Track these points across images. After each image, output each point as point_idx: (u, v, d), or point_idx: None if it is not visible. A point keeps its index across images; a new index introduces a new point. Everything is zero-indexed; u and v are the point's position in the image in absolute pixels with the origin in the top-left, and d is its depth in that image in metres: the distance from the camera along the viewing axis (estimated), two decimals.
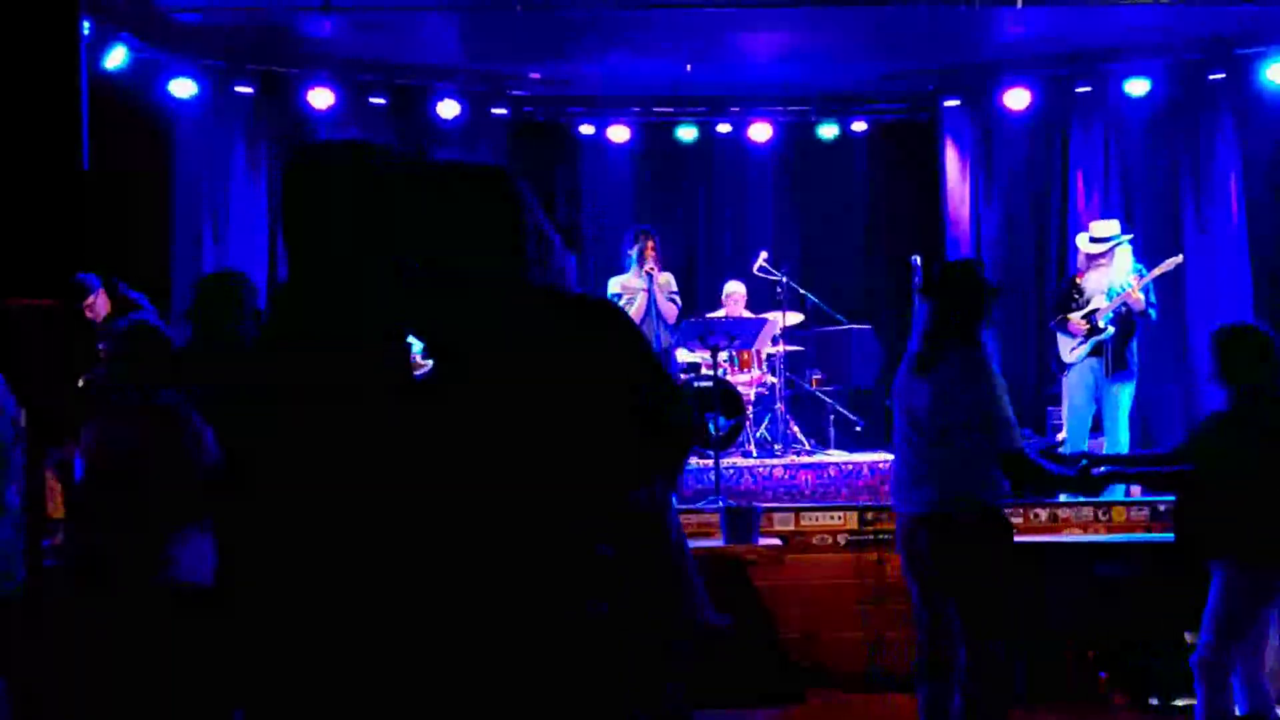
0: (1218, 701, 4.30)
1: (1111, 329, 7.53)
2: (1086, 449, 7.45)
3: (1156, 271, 7.57)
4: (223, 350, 3.85)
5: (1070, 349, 7.72)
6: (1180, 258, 7.81)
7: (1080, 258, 7.85)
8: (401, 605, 1.93)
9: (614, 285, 7.93)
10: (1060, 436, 7.75)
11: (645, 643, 2.59)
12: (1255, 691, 4.34)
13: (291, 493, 1.96)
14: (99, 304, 6.76)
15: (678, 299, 7.96)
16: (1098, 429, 7.74)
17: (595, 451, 2.12)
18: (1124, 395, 7.59)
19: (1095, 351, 7.59)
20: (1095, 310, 7.58)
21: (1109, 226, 7.84)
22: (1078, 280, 7.81)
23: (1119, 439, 7.54)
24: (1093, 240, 7.76)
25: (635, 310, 7.61)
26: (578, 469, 2.09)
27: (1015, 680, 4.27)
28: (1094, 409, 7.68)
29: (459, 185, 2.22)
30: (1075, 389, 7.71)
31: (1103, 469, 4.55)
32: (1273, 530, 4.24)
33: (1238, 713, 4.36)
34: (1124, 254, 7.71)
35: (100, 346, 6.39)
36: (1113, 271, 7.63)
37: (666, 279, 7.93)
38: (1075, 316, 7.66)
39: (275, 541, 1.98)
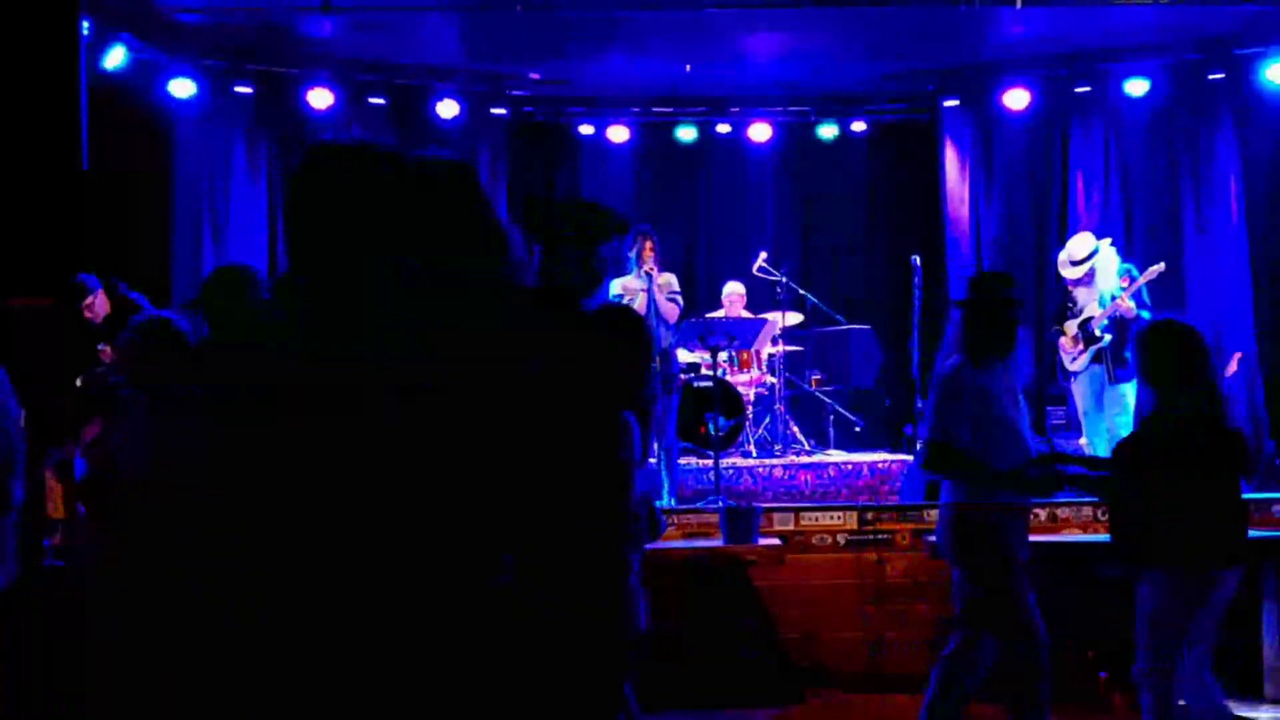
0: (1159, 715, 4.12)
1: (1108, 336, 7.62)
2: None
3: (1141, 280, 7.71)
4: (233, 346, 3.82)
5: (1071, 359, 7.85)
6: (1162, 265, 7.92)
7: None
8: (362, 604, 1.93)
9: (615, 286, 7.91)
10: (1081, 441, 7.82)
11: (614, 647, 2.62)
12: (1208, 702, 4.15)
13: (282, 494, 1.96)
14: (98, 304, 6.76)
15: (679, 299, 7.94)
16: None
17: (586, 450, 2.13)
18: (1129, 395, 7.66)
19: (1096, 358, 7.71)
20: (1090, 319, 7.69)
21: (1084, 243, 7.91)
22: (1070, 290, 7.90)
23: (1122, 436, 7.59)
24: (1072, 264, 7.85)
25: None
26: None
27: (1042, 683, 4.32)
28: (1104, 412, 7.75)
29: (445, 182, 2.23)
30: (1084, 396, 7.86)
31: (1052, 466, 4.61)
32: (1191, 533, 4.05)
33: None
34: (1106, 260, 7.80)
35: (100, 347, 6.41)
36: (1099, 280, 7.72)
37: (667, 279, 7.92)
38: (1069, 330, 7.77)
39: (258, 542, 1.98)
